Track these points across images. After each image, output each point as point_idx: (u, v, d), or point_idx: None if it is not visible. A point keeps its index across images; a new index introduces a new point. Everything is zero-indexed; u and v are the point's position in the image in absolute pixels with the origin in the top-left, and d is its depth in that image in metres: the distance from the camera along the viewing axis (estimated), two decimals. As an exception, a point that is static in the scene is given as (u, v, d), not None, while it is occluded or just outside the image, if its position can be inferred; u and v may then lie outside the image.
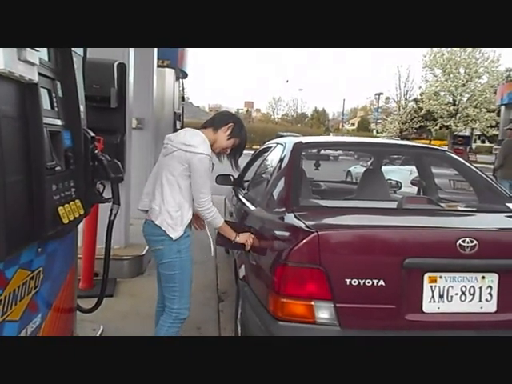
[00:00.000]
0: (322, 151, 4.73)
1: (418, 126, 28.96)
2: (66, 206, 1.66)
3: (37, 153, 1.46)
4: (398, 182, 4.16)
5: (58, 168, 1.64)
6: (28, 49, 1.34)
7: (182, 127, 6.95)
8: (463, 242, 1.62)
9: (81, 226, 3.24)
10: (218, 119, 2.19)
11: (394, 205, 2.11)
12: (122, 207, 3.90)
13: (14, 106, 1.37)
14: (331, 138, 4.11)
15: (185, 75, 7.41)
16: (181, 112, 7.32)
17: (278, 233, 1.87)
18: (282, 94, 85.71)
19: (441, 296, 1.66)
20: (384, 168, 6.64)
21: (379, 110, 36.25)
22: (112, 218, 2.18)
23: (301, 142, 2.47)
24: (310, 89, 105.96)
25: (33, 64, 1.40)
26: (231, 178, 3.84)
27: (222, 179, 3.81)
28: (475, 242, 1.62)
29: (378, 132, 34.43)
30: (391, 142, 3.70)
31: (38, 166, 1.46)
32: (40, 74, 1.55)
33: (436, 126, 26.21)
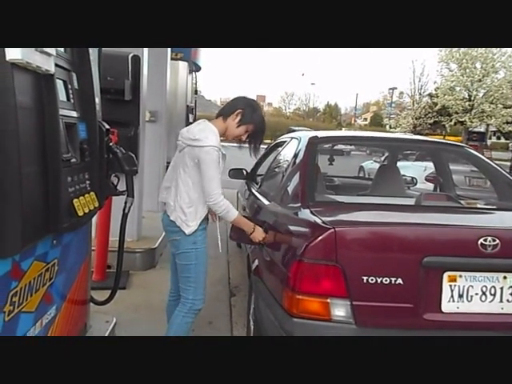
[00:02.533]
0: (336, 146, 4.68)
1: (432, 121, 28.51)
2: (81, 198, 1.65)
3: (53, 144, 1.45)
4: (413, 178, 4.10)
5: (73, 160, 1.64)
6: (45, 39, 1.33)
7: (194, 120, 6.93)
8: (485, 240, 1.57)
9: (94, 219, 3.26)
10: (227, 107, 2.17)
11: (411, 201, 2.07)
12: (135, 200, 3.93)
13: (31, 96, 1.36)
14: (347, 132, 4.05)
15: (198, 68, 7.38)
16: (193, 105, 7.30)
17: (293, 228, 1.84)
18: (295, 88, 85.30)
19: (460, 296, 1.62)
20: (398, 164, 6.57)
21: (393, 104, 35.82)
22: (126, 210, 2.18)
23: (316, 137, 2.43)
24: (322, 83, 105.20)
25: (50, 55, 1.38)
26: (244, 171, 3.82)
27: (235, 173, 3.79)
28: (497, 240, 1.58)
29: (391, 127, 34.01)
30: (408, 137, 3.64)
31: (53, 158, 1.45)
32: (56, 65, 1.54)
33: (451, 121, 25.77)
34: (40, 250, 1.51)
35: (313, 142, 2.35)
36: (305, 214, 1.80)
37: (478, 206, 2.25)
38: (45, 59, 1.37)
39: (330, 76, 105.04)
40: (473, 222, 1.85)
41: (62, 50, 1.67)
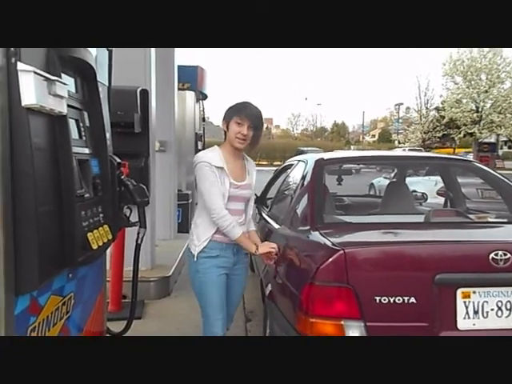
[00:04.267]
0: (344, 166, 4.73)
1: (440, 134, 28.49)
2: (95, 231, 1.69)
3: (67, 182, 1.50)
4: (423, 193, 4.09)
5: (86, 195, 1.69)
6: (57, 83, 1.40)
7: (203, 147, 7.07)
8: (496, 255, 1.57)
9: (108, 250, 3.31)
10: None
11: (420, 218, 2.07)
12: (148, 229, 3.97)
13: (45, 137, 1.42)
14: (352, 152, 4.11)
15: (205, 97, 7.56)
16: (202, 132, 7.44)
17: (303, 251, 1.86)
18: (301, 109, 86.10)
19: (475, 312, 1.61)
20: (408, 179, 6.55)
21: (400, 120, 35.89)
22: (139, 241, 2.21)
23: (322, 159, 2.47)
24: (328, 103, 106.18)
25: (62, 97, 1.45)
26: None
27: None
28: (509, 254, 1.57)
29: (399, 143, 34.03)
30: (414, 155, 3.67)
31: (68, 196, 1.50)
32: (68, 106, 1.62)
33: (460, 133, 25.70)
34: (56, 285, 1.55)
35: (319, 164, 2.39)
36: (314, 236, 1.82)
37: (489, 219, 2.25)
38: (57, 102, 1.43)
39: (336, 96, 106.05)
40: (483, 236, 1.85)
41: (73, 90, 1.75)
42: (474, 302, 1.61)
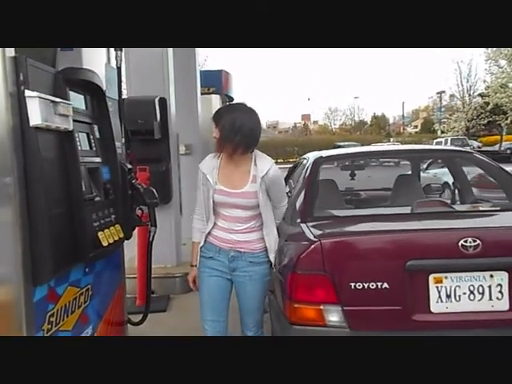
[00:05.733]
0: (357, 162, 4.82)
1: (486, 122, 27.23)
2: (106, 230, 1.92)
3: (75, 187, 1.74)
4: (441, 185, 4.06)
5: (97, 198, 1.92)
6: (61, 104, 1.64)
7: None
8: (465, 242, 1.65)
9: (135, 249, 3.59)
10: None
11: (408, 210, 2.15)
12: (172, 229, 4.23)
13: (54, 150, 1.65)
14: (352, 149, 4.19)
15: (231, 99, 7.77)
16: (229, 134, 7.66)
17: (291, 243, 2.01)
18: (338, 103, 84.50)
19: (448, 296, 1.69)
20: (441, 170, 6.42)
21: (442, 109, 34.59)
22: (151, 239, 2.44)
23: (321, 157, 2.61)
24: (366, 96, 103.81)
25: (67, 116, 1.69)
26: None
27: None
28: (478, 241, 1.64)
29: (442, 132, 32.79)
30: (415, 148, 3.72)
31: (77, 199, 1.74)
32: (80, 121, 1.86)
33: (507, 119, 24.45)
34: (73, 277, 1.79)
35: (317, 161, 2.52)
36: (301, 228, 1.97)
37: (480, 208, 2.28)
38: (63, 120, 1.67)
39: (374, 87, 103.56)
40: (454, 224, 1.91)
41: (83, 107, 2.00)
42: (446, 287, 1.69)
